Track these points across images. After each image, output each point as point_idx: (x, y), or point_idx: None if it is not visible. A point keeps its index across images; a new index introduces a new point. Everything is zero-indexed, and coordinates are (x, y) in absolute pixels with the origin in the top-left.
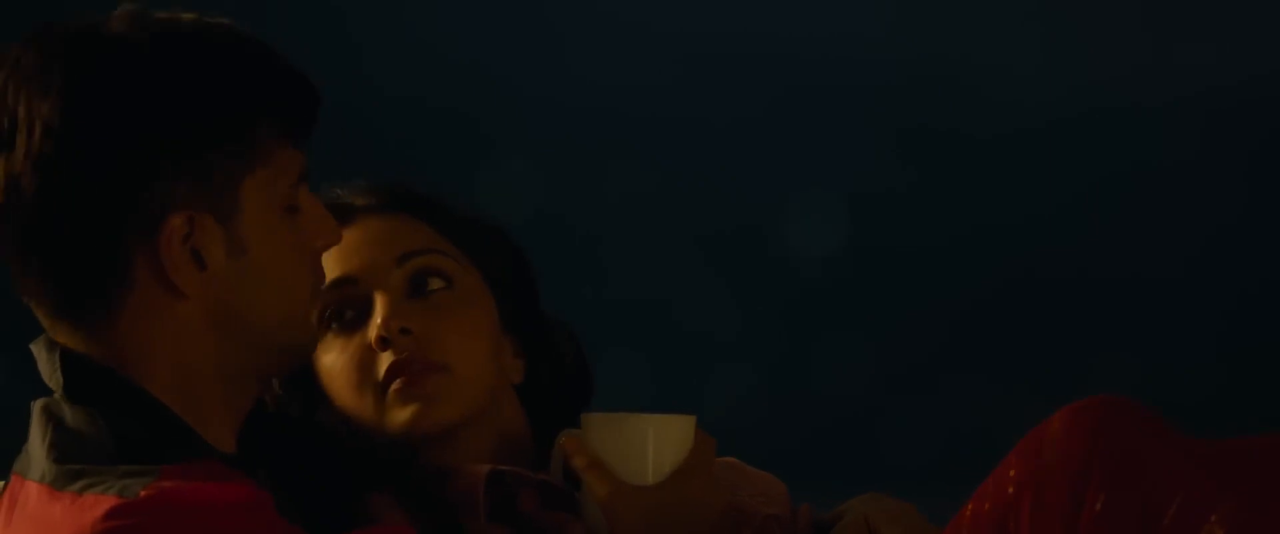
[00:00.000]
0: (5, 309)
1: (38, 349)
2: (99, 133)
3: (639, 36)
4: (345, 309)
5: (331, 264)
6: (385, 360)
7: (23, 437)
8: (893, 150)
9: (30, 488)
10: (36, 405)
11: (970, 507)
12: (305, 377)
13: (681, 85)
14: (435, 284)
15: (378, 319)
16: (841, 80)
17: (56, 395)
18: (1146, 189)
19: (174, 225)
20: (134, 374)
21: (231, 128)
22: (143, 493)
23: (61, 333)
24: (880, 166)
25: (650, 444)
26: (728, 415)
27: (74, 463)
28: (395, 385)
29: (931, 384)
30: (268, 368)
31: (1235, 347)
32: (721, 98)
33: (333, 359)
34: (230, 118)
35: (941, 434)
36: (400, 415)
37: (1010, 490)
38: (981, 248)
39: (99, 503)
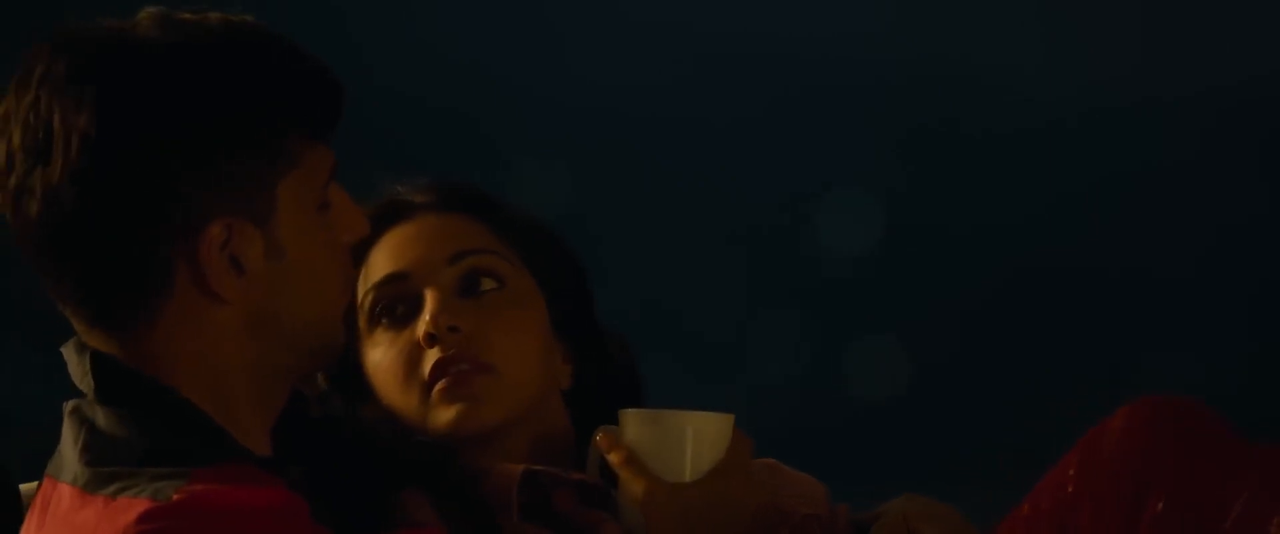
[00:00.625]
0: (37, 310)
1: (68, 352)
2: (136, 144)
3: (643, 36)
4: (396, 305)
5: (385, 259)
6: (432, 358)
7: (55, 439)
8: (910, 148)
9: (62, 490)
10: (68, 407)
11: (1027, 505)
12: (351, 371)
13: (688, 85)
14: (487, 284)
15: (427, 316)
16: (854, 79)
17: (88, 398)
18: (1171, 184)
19: (213, 233)
20: (167, 377)
21: (264, 131)
22: (175, 496)
23: (96, 338)
24: (901, 164)
25: (688, 442)
26: (755, 416)
27: (106, 466)
28: (440, 385)
29: (962, 383)
30: (299, 368)
31: (1258, 346)
32: (727, 97)
33: (381, 354)
34: (262, 122)
35: (975, 433)
36: (444, 415)
37: (1069, 489)
38: (1005, 245)
39: (132, 506)
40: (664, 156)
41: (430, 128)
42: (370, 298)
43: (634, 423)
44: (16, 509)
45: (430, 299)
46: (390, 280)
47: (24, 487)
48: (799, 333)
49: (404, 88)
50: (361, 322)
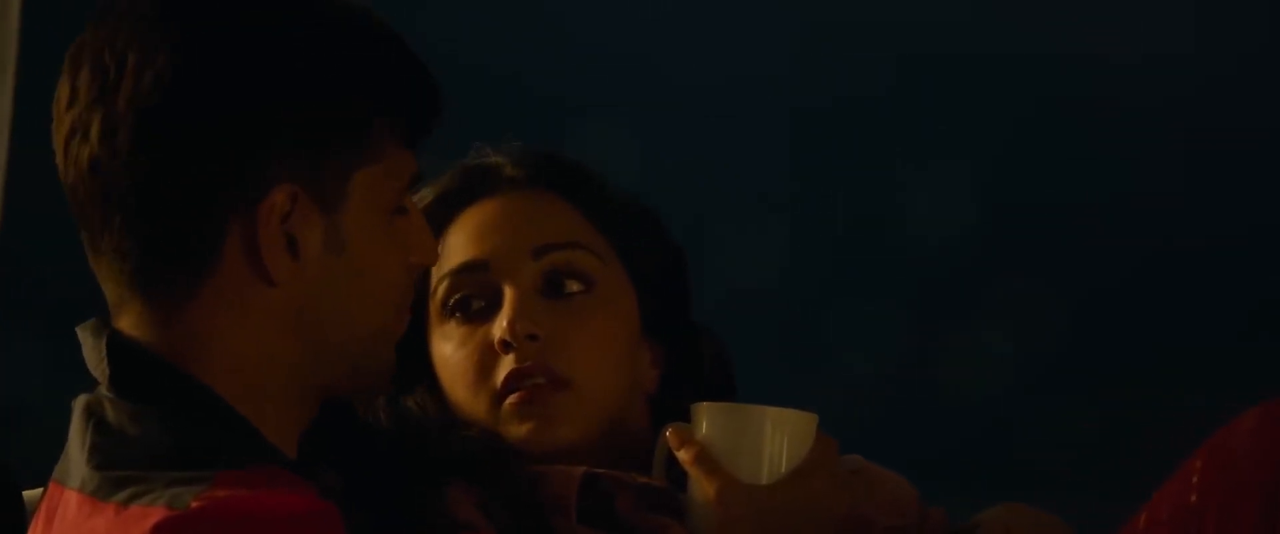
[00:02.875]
0: (44, 301)
1: (84, 333)
2: (215, 90)
3: (732, 11)
4: (473, 299)
5: (463, 243)
6: (506, 365)
7: (64, 438)
8: (1013, 125)
9: (69, 497)
10: (78, 403)
11: (1144, 515)
12: (416, 357)
13: (778, 66)
14: (572, 286)
15: (504, 320)
16: (951, 54)
17: (101, 389)
18: None
19: (277, 199)
20: (196, 363)
21: (353, 114)
22: (194, 503)
23: (127, 312)
24: (1013, 146)
25: (767, 439)
26: (841, 412)
27: (117, 469)
28: (513, 398)
29: (1069, 378)
30: (337, 384)
31: None
32: (818, 76)
33: (451, 351)
34: (354, 104)
35: (1085, 437)
36: (515, 430)
37: (1192, 498)
38: (1114, 229)
39: (146, 515)
40: (748, 137)
41: (488, 93)
42: (444, 286)
43: (708, 417)
44: (20, 516)
45: (509, 300)
46: (467, 269)
47: (28, 493)
48: (890, 323)
49: (466, 54)
50: (432, 309)
